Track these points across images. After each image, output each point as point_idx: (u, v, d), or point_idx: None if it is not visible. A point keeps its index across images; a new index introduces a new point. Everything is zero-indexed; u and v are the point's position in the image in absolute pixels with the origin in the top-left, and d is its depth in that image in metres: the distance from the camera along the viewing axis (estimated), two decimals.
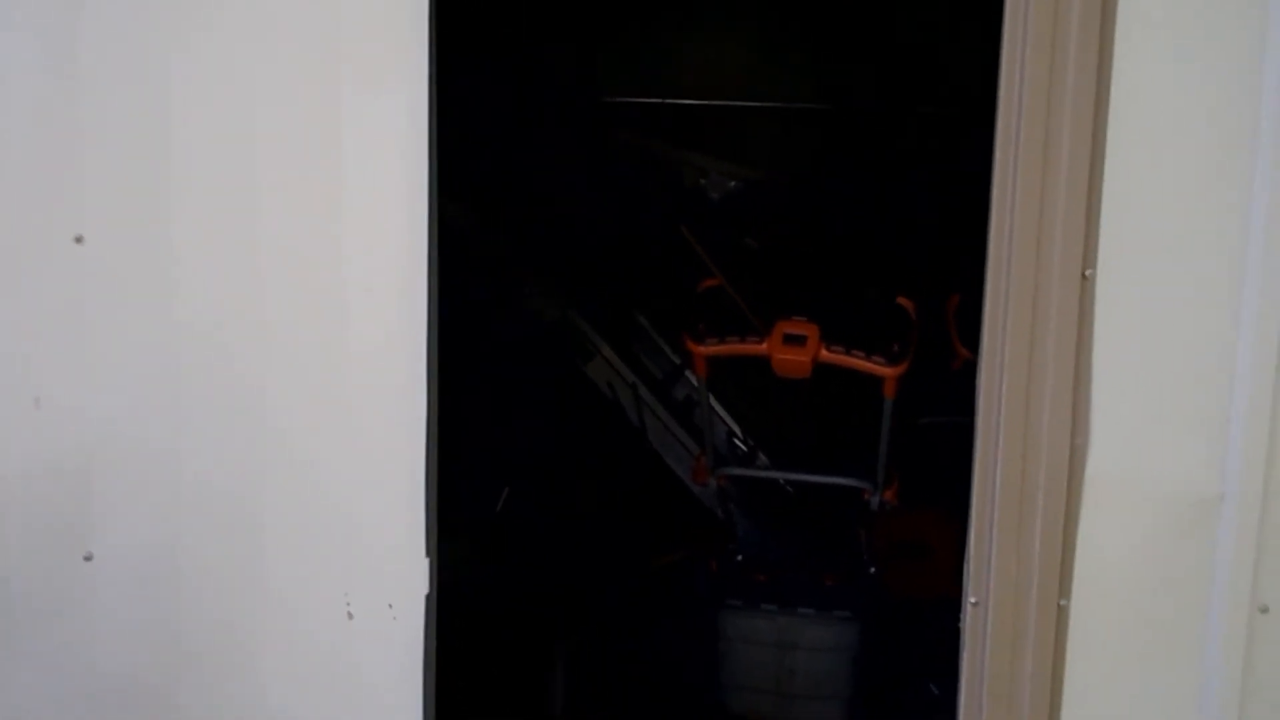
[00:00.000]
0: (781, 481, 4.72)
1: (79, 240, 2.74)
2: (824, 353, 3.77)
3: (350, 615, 2.81)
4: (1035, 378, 2.52)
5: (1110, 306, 2.48)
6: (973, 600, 2.62)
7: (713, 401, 4.62)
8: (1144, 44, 2.41)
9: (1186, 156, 2.43)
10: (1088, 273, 2.48)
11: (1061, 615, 2.56)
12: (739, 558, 4.22)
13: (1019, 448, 2.54)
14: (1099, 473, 2.51)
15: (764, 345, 3.81)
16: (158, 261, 2.74)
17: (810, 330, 3.79)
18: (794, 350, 3.78)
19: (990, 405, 2.55)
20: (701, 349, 3.91)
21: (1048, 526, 2.55)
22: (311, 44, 2.68)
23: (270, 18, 2.68)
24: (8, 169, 2.74)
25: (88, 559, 2.81)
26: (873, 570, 4.20)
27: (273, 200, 2.73)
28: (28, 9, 2.70)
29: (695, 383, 4.73)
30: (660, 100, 5.88)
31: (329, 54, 2.67)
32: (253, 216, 2.73)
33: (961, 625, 2.65)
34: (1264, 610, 2.49)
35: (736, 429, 5.10)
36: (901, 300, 3.90)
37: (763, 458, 5.05)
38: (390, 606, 2.80)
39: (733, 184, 5.85)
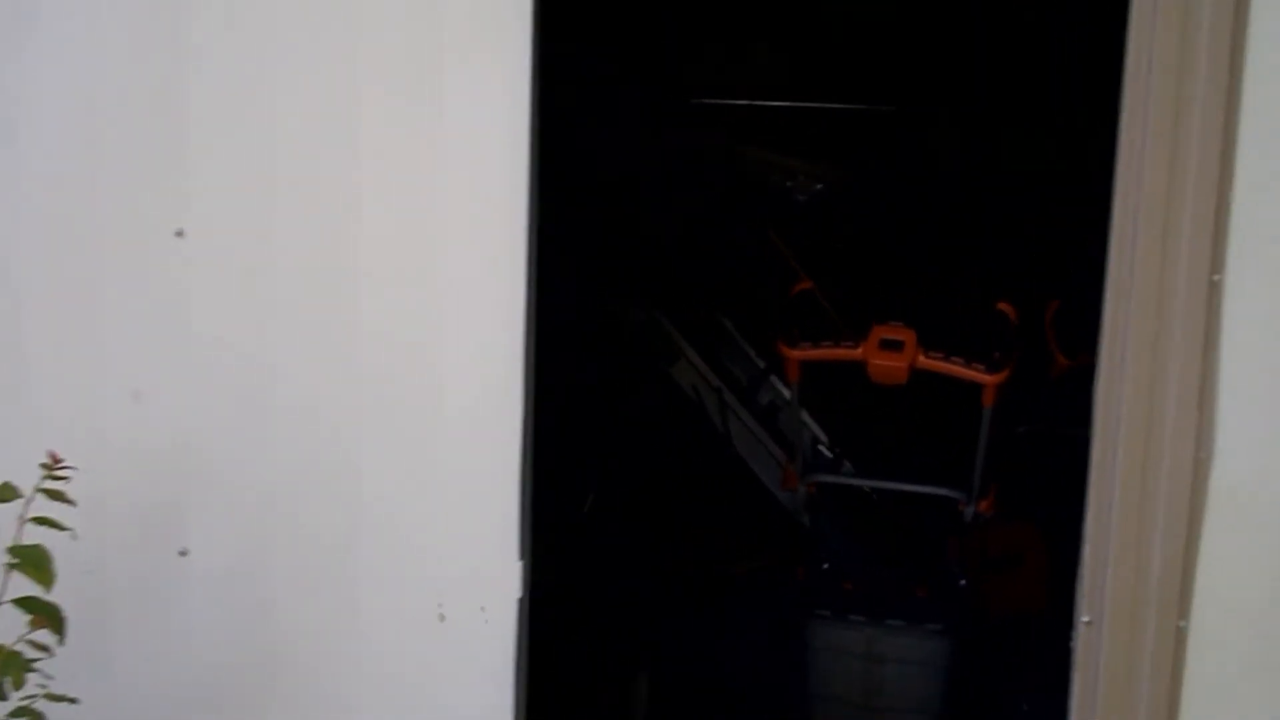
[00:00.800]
0: (867, 489, 4.63)
1: (180, 234, 2.73)
2: (922, 359, 3.68)
3: (442, 617, 2.78)
4: (1158, 386, 2.41)
5: (1239, 313, 2.37)
6: (1086, 619, 2.52)
7: None
8: (1277, 39, 2.30)
9: None
10: (1215, 277, 2.37)
11: (1180, 637, 2.46)
12: (825, 566, 4.14)
13: (1139, 459, 2.43)
14: (1224, 487, 2.41)
15: (860, 350, 3.72)
16: (257, 256, 2.73)
17: (908, 335, 3.70)
18: (891, 356, 3.69)
19: (1110, 415, 2.45)
20: (796, 353, 3.83)
21: (1168, 543, 2.44)
22: (413, 34, 2.65)
23: (371, 5, 2.66)
24: (112, 162, 2.75)
25: (183, 554, 2.80)
26: (963, 583, 4.08)
27: (373, 194, 2.71)
28: (128, 3, 2.70)
29: (784, 388, 4.66)
30: (748, 102, 5.82)
31: (430, 34, 2.64)
32: (353, 210, 2.71)
33: (1074, 645, 2.55)
34: None
35: (822, 435, 5.02)
36: (1002, 305, 3.79)
37: (848, 465, 4.96)
38: (483, 609, 2.77)
39: (819, 186, 5.77)
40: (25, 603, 2.27)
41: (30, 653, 2.27)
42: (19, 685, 2.27)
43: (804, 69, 5.76)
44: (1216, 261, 2.37)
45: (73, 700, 2.33)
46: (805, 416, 4.79)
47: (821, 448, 4.98)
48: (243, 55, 2.71)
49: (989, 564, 4.40)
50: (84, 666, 2.42)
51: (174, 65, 2.72)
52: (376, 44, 2.67)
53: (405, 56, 2.67)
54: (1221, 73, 2.32)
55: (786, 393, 4.73)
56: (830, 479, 4.45)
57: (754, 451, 5.02)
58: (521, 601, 2.77)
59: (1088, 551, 2.51)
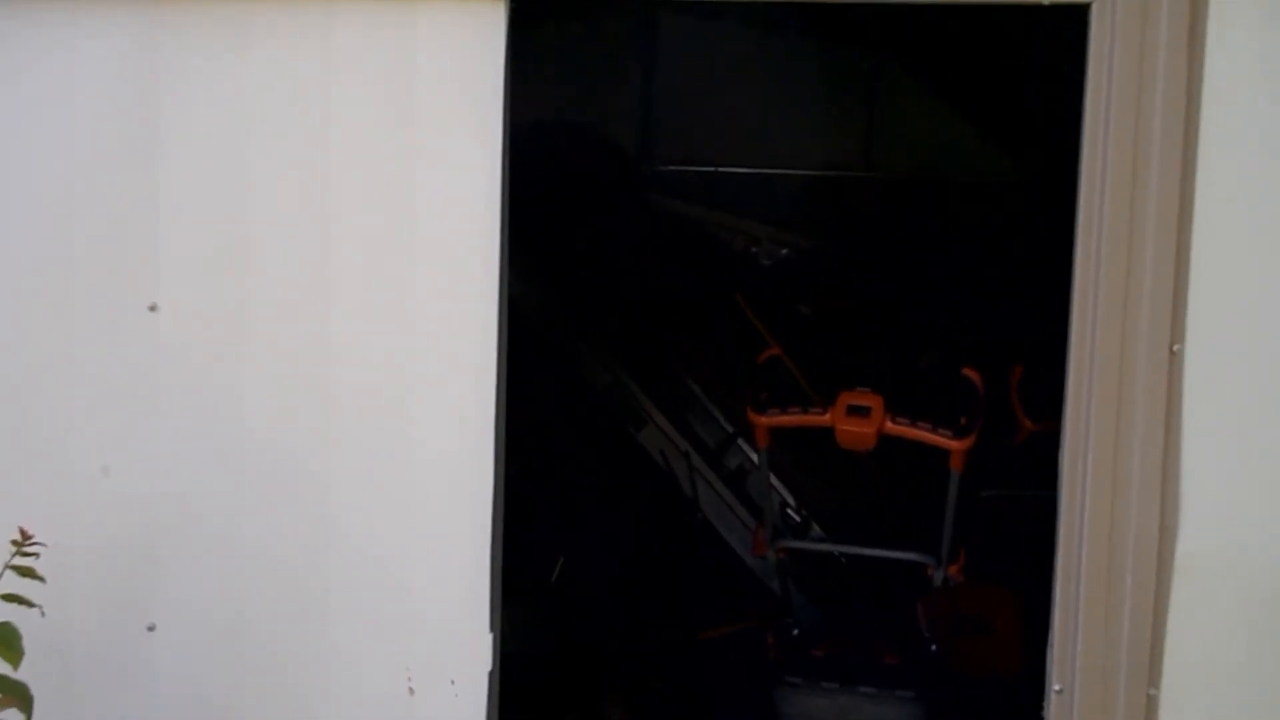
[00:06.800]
0: (837, 554, 4.63)
1: (153, 309, 2.73)
2: (889, 424, 3.69)
3: (411, 691, 2.76)
4: (1122, 454, 2.45)
5: (1200, 382, 2.41)
6: (1057, 688, 2.53)
7: None
8: (1230, 113, 2.37)
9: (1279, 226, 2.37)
10: (1176, 347, 2.42)
11: (1151, 705, 2.47)
12: (795, 632, 4.13)
13: (1106, 527, 2.46)
14: (1190, 554, 2.43)
15: (827, 416, 3.74)
16: (230, 331, 2.73)
17: (875, 401, 3.72)
18: (858, 421, 3.70)
19: (1075, 482, 2.48)
20: (764, 419, 3.84)
21: (1136, 610, 2.46)
22: (387, 107, 2.68)
23: (343, 79, 2.69)
24: (85, 236, 2.75)
25: (150, 629, 2.78)
26: (933, 648, 4.08)
27: (346, 267, 2.72)
28: (101, 81, 2.73)
29: (753, 452, 4.66)
30: (712, 168, 5.88)
31: (402, 111, 2.67)
32: (325, 287, 2.72)
33: (1045, 714, 2.56)
34: None
35: (790, 499, 5.02)
36: (967, 371, 3.82)
37: (816, 529, 4.97)
38: (453, 683, 2.75)
39: (784, 251, 5.82)
40: None
41: None
42: None
43: (771, 135, 5.84)
44: (1177, 331, 2.41)
45: None
46: (774, 481, 4.81)
47: (790, 512, 4.99)
48: (217, 129, 2.72)
49: (960, 628, 4.40)
50: None
51: (148, 141, 2.73)
52: (350, 117, 2.70)
53: (379, 131, 2.69)
54: (1177, 141, 2.38)
55: (755, 457, 4.74)
56: (799, 545, 4.45)
57: (723, 516, 5.02)
58: (492, 674, 2.75)
59: (1057, 620, 2.53)
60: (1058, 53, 2.93)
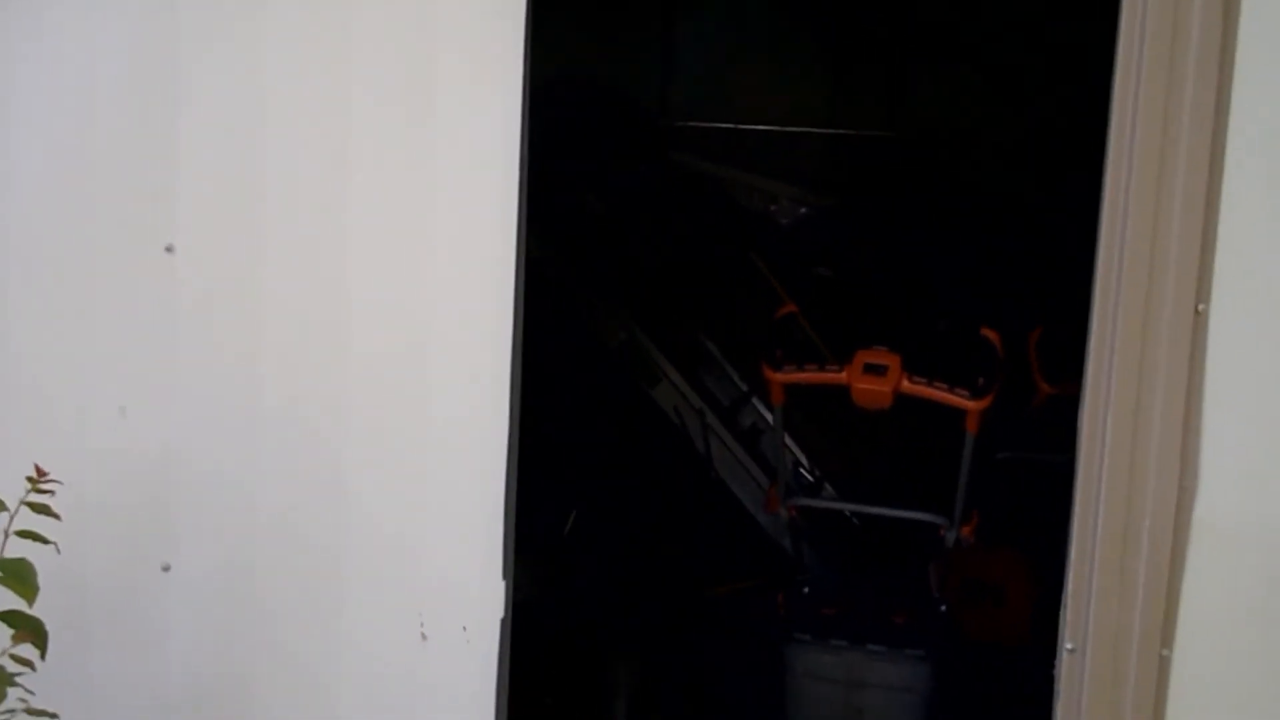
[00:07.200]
0: (848, 514, 4.64)
1: (169, 250, 2.73)
2: (906, 384, 3.68)
3: (424, 637, 2.77)
4: (1142, 415, 2.42)
5: (1224, 343, 2.39)
6: (1069, 647, 2.52)
7: None
8: (1265, 67, 2.33)
9: None
10: (1200, 307, 2.39)
11: (1163, 666, 2.46)
12: (805, 590, 4.13)
13: (1123, 488, 2.44)
14: (1208, 516, 2.42)
15: (844, 374, 3.73)
16: (246, 271, 2.72)
17: (892, 360, 3.71)
18: (875, 380, 3.69)
19: (1094, 443, 2.46)
20: (779, 376, 3.83)
21: (1151, 572, 2.45)
22: (406, 61, 2.66)
23: (363, 30, 2.67)
24: (101, 177, 2.75)
25: (166, 569, 2.79)
26: (944, 609, 4.09)
27: (362, 213, 2.71)
28: (121, 21, 2.71)
29: (767, 411, 4.66)
30: (731, 125, 5.85)
31: (422, 66, 2.66)
32: (342, 229, 2.71)
33: (1056, 673, 2.56)
34: None
35: (803, 459, 5.03)
36: (986, 332, 3.81)
37: (829, 489, 4.97)
38: (465, 629, 2.76)
39: (803, 210, 5.80)
40: (8, 617, 2.25)
41: (12, 667, 2.26)
42: (0, 699, 2.25)
43: (790, 92, 5.80)
44: (1202, 291, 2.38)
45: (53, 715, 2.31)
46: (787, 440, 4.81)
47: (803, 471, 4.99)
48: (230, 72, 2.71)
49: (971, 590, 4.41)
50: (65, 681, 2.40)
51: (165, 82, 2.72)
52: (369, 67, 2.68)
53: (398, 80, 2.68)
54: (1209, 102, 2.34)
55: (769, 416, 4.74)
56: (811, 503, 4.46)
57: (736, 474, 5.02)
58: (504, 621, 2.76)
59: (1071, 579, 2.52)
60: (1085, 6, 2.89)
